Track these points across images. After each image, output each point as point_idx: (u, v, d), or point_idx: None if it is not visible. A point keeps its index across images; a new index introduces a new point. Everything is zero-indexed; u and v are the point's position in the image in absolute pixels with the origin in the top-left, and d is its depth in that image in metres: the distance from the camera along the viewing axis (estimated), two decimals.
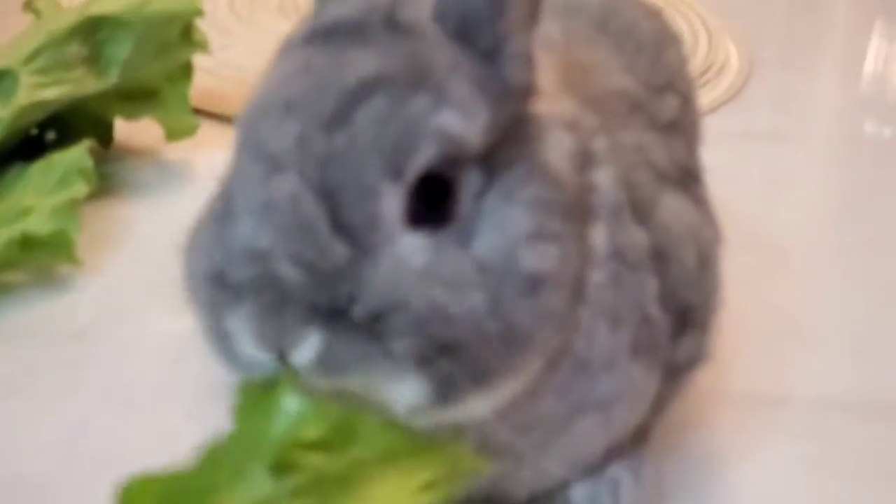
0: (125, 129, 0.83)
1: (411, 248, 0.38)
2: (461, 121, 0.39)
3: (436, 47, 0.40)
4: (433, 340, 0.38)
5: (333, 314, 0.37)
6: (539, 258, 0.40)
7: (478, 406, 0.40)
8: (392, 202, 0.38)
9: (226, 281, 0.39)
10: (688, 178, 0.51)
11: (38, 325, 0.64)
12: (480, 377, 0.39)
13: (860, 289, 0.74)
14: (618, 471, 0.50)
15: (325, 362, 0.38)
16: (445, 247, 0.39)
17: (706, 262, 0.49)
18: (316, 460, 0.38)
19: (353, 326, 0.38)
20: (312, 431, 0.38)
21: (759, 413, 0.61)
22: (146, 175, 0.81)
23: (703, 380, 0.54)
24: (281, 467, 0.38)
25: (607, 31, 0.52)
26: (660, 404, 0.50)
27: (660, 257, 0.46)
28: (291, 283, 0.37)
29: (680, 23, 1.09)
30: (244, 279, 0.38)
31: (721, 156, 0.58)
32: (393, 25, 0.41)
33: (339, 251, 0.37)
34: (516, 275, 0.40)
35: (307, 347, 0.38)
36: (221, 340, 0.40)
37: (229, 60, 1.01)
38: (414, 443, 0.40)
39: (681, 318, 0.48)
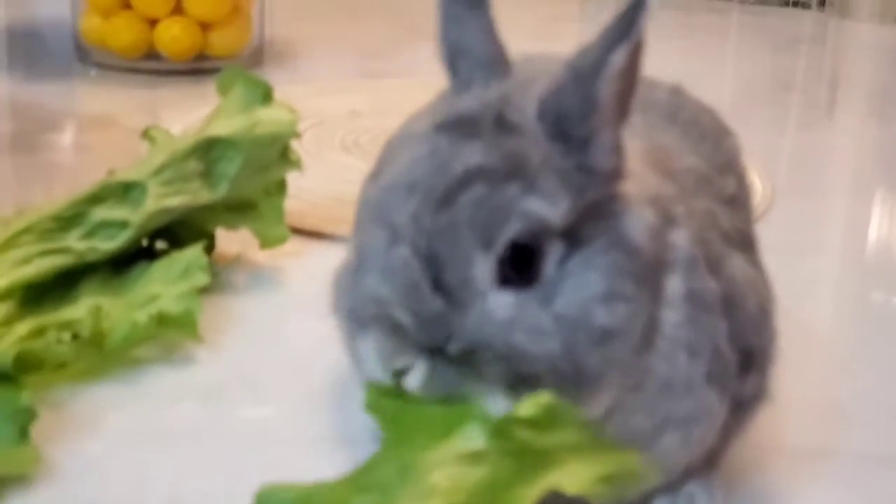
0: (221, 238, 0.93)
1: (498, 304, 0.48)
2: (545, 205, 0.48)
3: (533, 145, 0.49)
4: (515, 371, 0.47)
5: (434, 350, 0.48)
6: (610, 315, 0.49)
7: None
8: (483, 268, 0.47)
9: (358, 316, 0.50)
10: (747, 244, 0.59)
11: (167, 389, 0.73)
12: None
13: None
14: (694, 488, 0.58)
15: (431, 385, 0.48)
16: (528, 304, 0.48)
17: (765, 313, 0.58)
18: (525, 434, 0.46)
19: (450, 359, 0.48)
20: (527, 410, 0.46)
21: (808, 464, 0.67)
22: (241, 277, 0.92)
23: (757, 432, 0.62)
24: (497, 432, 0.46)
25: (675, 121, 0.61)
26: (727, 433, 0.57)
27: (728, 304, 0.54)
28: (403, 324, 0.48)
29: None
30: (371, 316, 0.49)
31: None
32: (501, 123, 0.49)
33: (437, 304, 0.47)
34: (589, 328, 0.48)
35: (416, 375, 0.48)
36: (356, 360, 0.52)
37: (303, 186, 1.13)
38: (599, 442, 0.49)
39: (746, 357, 0.56)
